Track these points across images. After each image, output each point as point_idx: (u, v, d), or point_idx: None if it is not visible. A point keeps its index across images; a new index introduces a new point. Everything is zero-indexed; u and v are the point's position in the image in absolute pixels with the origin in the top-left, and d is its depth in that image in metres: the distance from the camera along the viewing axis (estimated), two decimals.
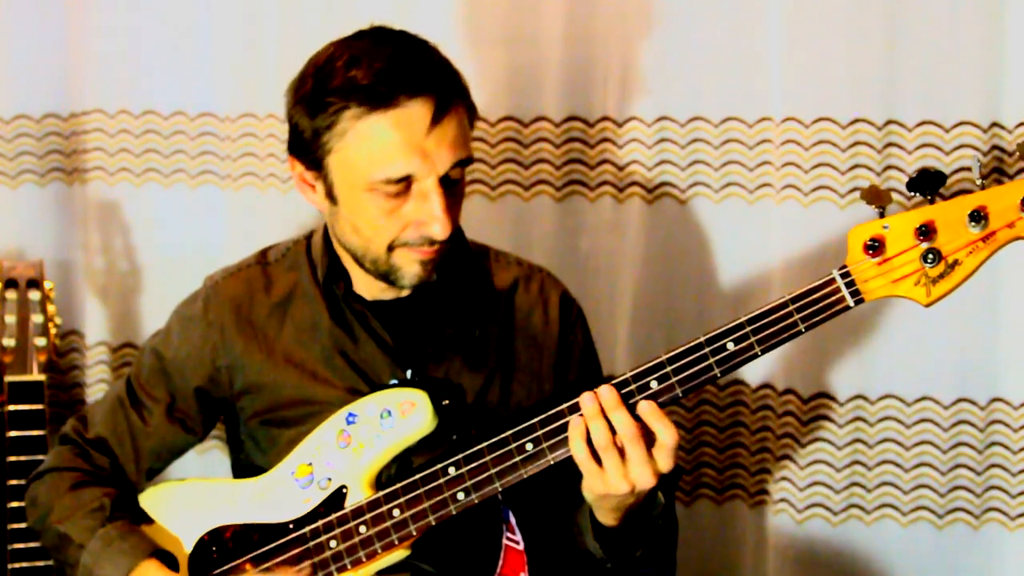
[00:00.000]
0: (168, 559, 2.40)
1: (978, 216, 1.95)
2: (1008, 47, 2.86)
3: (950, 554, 3.04)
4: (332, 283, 2.45)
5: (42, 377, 3.00)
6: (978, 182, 1.98)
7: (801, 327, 2.07)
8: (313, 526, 2.34)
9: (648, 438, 2.13)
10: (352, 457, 2.33)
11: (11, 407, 2.96)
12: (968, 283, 2.01)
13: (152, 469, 2.58)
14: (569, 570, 2.46)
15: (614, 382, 2.16)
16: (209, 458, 3.35)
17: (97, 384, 3.40)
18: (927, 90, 2.92)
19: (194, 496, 2.48)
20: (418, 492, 2.27)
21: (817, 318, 2.06)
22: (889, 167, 2.95)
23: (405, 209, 2.25)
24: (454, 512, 2.26)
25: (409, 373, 2.42)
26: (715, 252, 3.11)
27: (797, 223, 3.00)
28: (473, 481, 2.24)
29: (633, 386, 2.15)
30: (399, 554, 2.31)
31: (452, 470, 2.25)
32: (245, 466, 2.56)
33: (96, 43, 3.28)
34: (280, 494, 2.38)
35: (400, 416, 2.31)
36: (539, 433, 2.20)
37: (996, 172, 2.87)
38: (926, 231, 1.98)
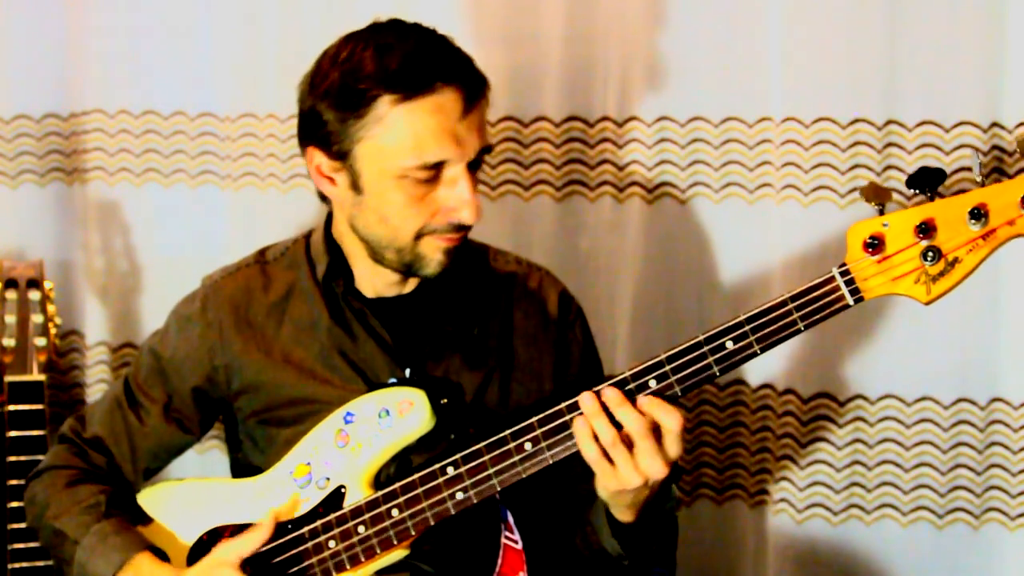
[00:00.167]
0: (161, 557, 2.40)
1: (978, 213, 1.95)
2: (1008, 47, 2.86)
3: (950, 554, 3.03)
4: (332, 280, 2.45)
5: (42, 377, 3.00)
6: (978, 180, 1.98)
7: (800, 325, 2.07)
8: (312, 526, 2.33)
9: (655, 431, 2.12)
10: (350, 457, 2.33)
11: (11, 407, 2.96)
12: (968, 282, 2.01)
13: (149, 469, 2.58)
14: (571, 570, 2.46)
15: (613, 381, 2.15)
16: (209, 458, 3.35)
17: (97, 384, 3.40)
18: (927, 90, 2.92)
19: (192, 496, 2.47)
20: (417, 492, 2.27)
21: (816, 316, 2.06)
22: (889, 167, 2.95)
23: (434, 196, 2.27)
24: (453, 511, 2.26)
25: (408, 372, 2.42)
26: (715, 252, 3.11)
27: (797, 223, 3.00)
28: (472, 480, 2.24)
29: (632, 385, 2.14)
30: (398, 554, 2.31)
31: (451, 469, 2.25)
32: (243, 466, 2.56)
33: (96, 43, 3.28)
34: (278, 494, 2.38)
35: (398, 415, 2.31)
36: (538, 432, 2.20)
37: (996, 172, 2.87)
38: (926, 229, 1.98)
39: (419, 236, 2.30)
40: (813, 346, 3.00)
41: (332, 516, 2.32)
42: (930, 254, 1.98)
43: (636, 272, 3.14)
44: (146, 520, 2.46)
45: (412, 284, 2.44)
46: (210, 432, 2.68)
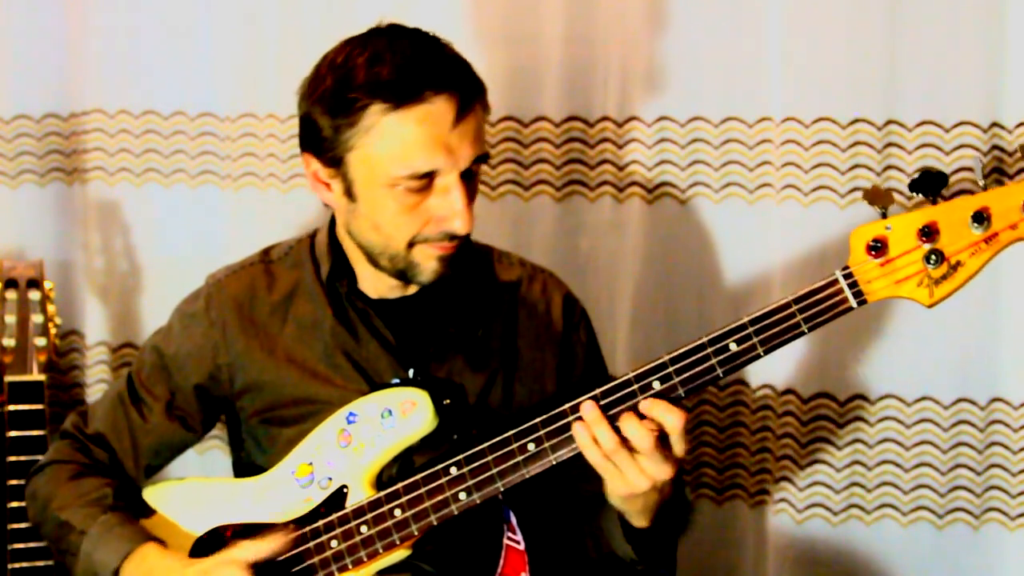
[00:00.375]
0: None
1: (981, 217, 1.96)
2: (1008, 47, 2.86)
3: (950, 554, 3.03)
4: (336, 281, 2.45)
5: (42, 377, 3.00)
6: (980, 183, 1.98)
7: (804, 328, 2.07)
8: (314, 526, 2.34)
9: (659, 434, 2.12)
10: (353, 457, 2.33)
11: (11, 407, 2.96)
12: (968, 283, 2.02)
13: (150, 466, 2.58)
14: (577, 571, 2.47)
15: (616, 383, 2.16)
16: (209, 458, 3.34)
17: (97, 384, 3.40)
18: (927, 90, 2.92)
19: (195, 494, 2.48)
20: (420, 492, 2.27)
21: (820, 319, 2.07)
22: (889, 167, 2.95)
23: (426, 205, 2.27)
24: (456, 512, 2.26)
25: (411, 372, 2.42)
26: (715, 252, 3.11)
27: (797, 223, 3.00)
28: (475, 481, 2.24)
29: (636, 386, 2.14)
30: (400, 554, 2.31)
31: (454, 470, 2.25)
32: (246, 465, 2.57)
33: (96, 43, 3.28)
34: (281, 494, 2.38)
35: (401, 416, 2.31)
36: (541, 433, 2.20)
37: (996, 172, 2.87)
38: (929, 232, 1.99)
39: (412, 244, 2.30)
40: (813, 346, 3.00)
41: (334, 516, 2.33)
42: (933, 257, 1.99)
43: (636, 272, 3.14)
44: (149, 516, 2.47)
45: (415, 286, 2.44)
46: (211, 432, 2.68)
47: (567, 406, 2.19)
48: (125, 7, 3.27)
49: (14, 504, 2.89)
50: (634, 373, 2.15)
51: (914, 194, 2.01)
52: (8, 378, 2.98)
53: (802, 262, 2.98)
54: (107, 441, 2.56)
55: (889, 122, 2.94)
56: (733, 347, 2.11)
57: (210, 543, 2.41)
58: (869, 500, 3.07)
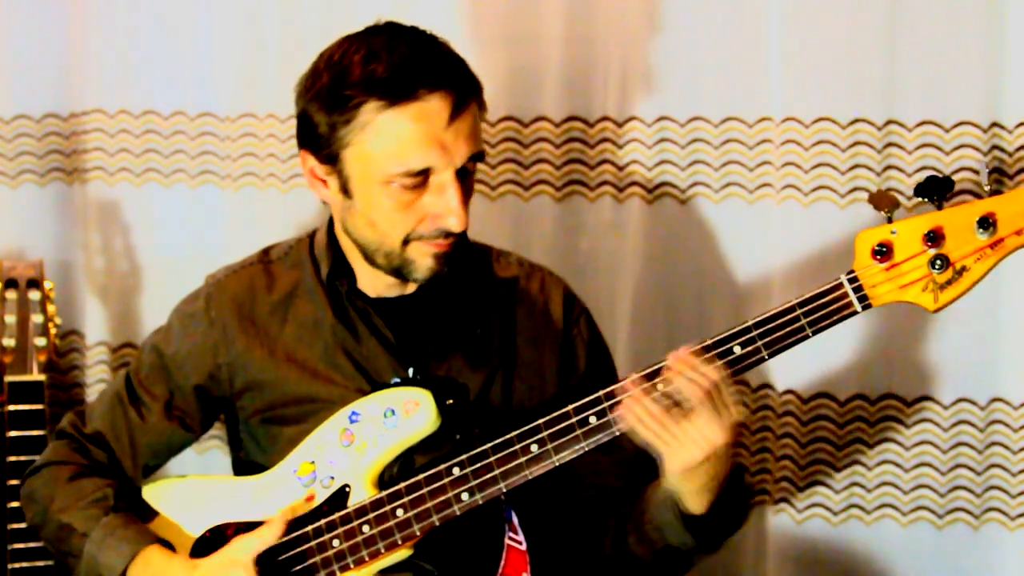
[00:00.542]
0: (169, 550, 2.41)
1: (986, 223, 1.96)
2: (1008, 47, 2.86)
3: (950, 554, 3.03)
4: (335, 280, 2.45)
5: (42, 377, 3.00)
6: (986, 188, 1.99)
7: (808, 331, 2.08)
8: (316, 525, 2.35)
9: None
10: (355, 456, 2.34)
11: (11, 407, 2.96)
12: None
13: (148, 466, 2.58)
14: (577, 571, 2.47)
15: (618, 385, 2.17)
16: (209, 457, 3.34)
17: (97, 384, 3.39)
18: (927, 90, 2.92)
19: (196, 492, 2.49)
20: (422, 492, 2.28)
21: (824, 323, 2.08)
22: (889, 167, 2.95)
23: (421, 202, 2.27)
24: (458, 512, 2.27)
25: (411, 372, 2.42)
26: (715, 252, 3.11)
27: (797, 223, 3.00)
28: (477, 481, 2.25)
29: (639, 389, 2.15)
30: (402, 553, 2.32)
31: (456, 470, 2.26)
32: (245, 464, 2.57)
33: (96, 43, 3.27)
34: (282, 492, 2.38)
35: (404, 415, 2.32)
36: (544, 434, 2.21)
37: (996, 172, 2.87)
38: (934, 237, 1.99)
39: (407, 242, 2.31)
40: (813, 346, 2.98)
41: (336, 515, 2.34)
42: (938, 262, 1.99)
43: (636, 272, 3.13)
44: (150, 515, 2.47)
45: (413, 285, 2.45)
46: (210, 432, 2.69)
47: (571, 407, 2.21)
48: (125, 7, 3.27)
49: (14, 504, 2.89)
50: (638, 375, 2.16)
51: (918, 197, 2.02)
52: (8, 378, 2.99)
53: (802, 262, 2.98)
54: (105, 441, 2.56)
55: (889, 122, 2.94)
56: (738, 350, 2.12)
57: (212, 542, 2.41)
58: (869, 500, 3.07)
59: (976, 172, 2.85)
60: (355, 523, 2.32)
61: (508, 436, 2.23)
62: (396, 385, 2.41)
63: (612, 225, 3.14)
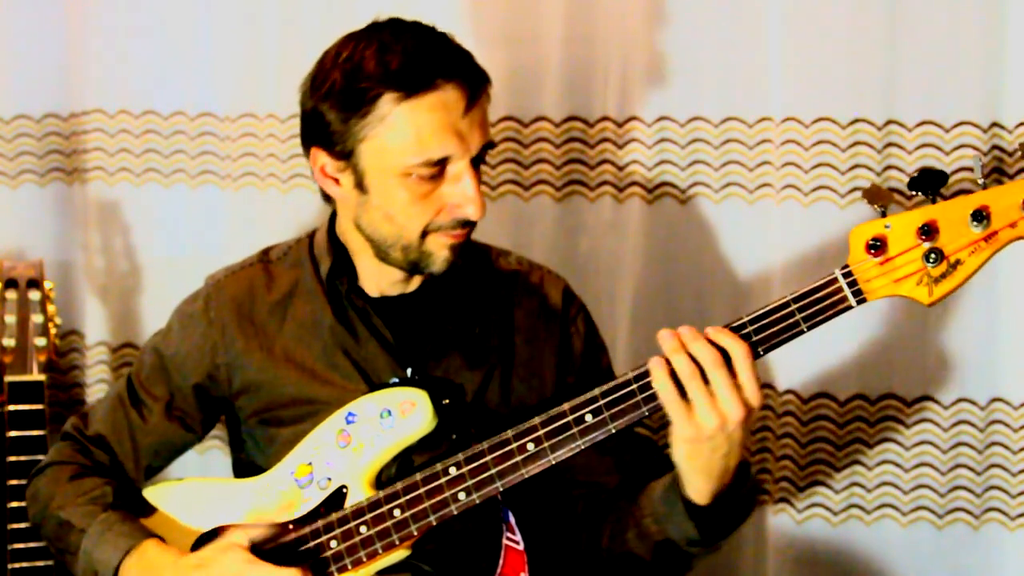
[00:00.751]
0: None
1: (980, 216, 1.96)
2: (1008, 47, 2.86)
3: (950, 554, 3.03)
4: (336, 279, 2.45)
5: (42, 377, 3.00)
6: (980, 182, 1.99)
7: (803, 327, 2.07)
8: (313, 526, 2.34)
9: (727, 364, 2.10)
10: (352, 457, 2.33)
11: (11, 407, 2.96)
12: (968, 282, 2.02)
13: (151, 467, 2.59)
14: (575, 571, 2.47)
15: (616, 382, 2.16)
16: (209, 458, 3.34)
17: (97, 384, 3.40)
18: (927, 90, 2.92)
19: (195, 494, 2.49)
20: (419, 492, 2.28)
21: (819, 318, 2.07)
22: (889, 167, 2.95)
23: (439, 192, 2.28)
24: (455, 512, 2.26)
25: (409, 372, 2.42)
26: (715, 252, 3.11)
27: (797, 223, 3.00)
28: (474, 481, 2.24)
29: (635, 386, 2.15)
30: (400, 554, 2.31)
31: (453, 470, 2.26)
32: (246, 465, 2.57)
33: (96, 43, 3.28)
34: (279, 494, 2.38)
35: (400, 416, 2.32)
36: (540, 433, 2.21)
37: (996, 172, 2.87)
38: (928, 231, 1.99)
39: (425, 234, 2.31)
40: (813, 346, 2.98)
41: (334, 516, 2.33)
42: (932, 256, 1.99)
43: (636, 272, 3.13)
44: (150, 515, 2.47)
45: (415, 283, 2.45)
46: (211, 432, 2.68)
47: (567, 406, 2.20)
48: (125, 7, 3.27)
49: (14, 504, 2.90)
50: (634, 373, 2.15)
51: (914, 193, 2.02)
52: (8, 378, 2.99)
53: (802, 262, 2.98)
54: (107, 442, 2.57)
55: (889, 122, 2.94)
56: None
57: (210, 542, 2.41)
58: (869, 500, 3.06)
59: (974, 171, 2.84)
60: (352, 524, 2.31)
61: (504, 435, 2.23)
62: (393, 385, 2.41)
63: (612, 225, 3.14)
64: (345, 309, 2.46)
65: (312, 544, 2.34)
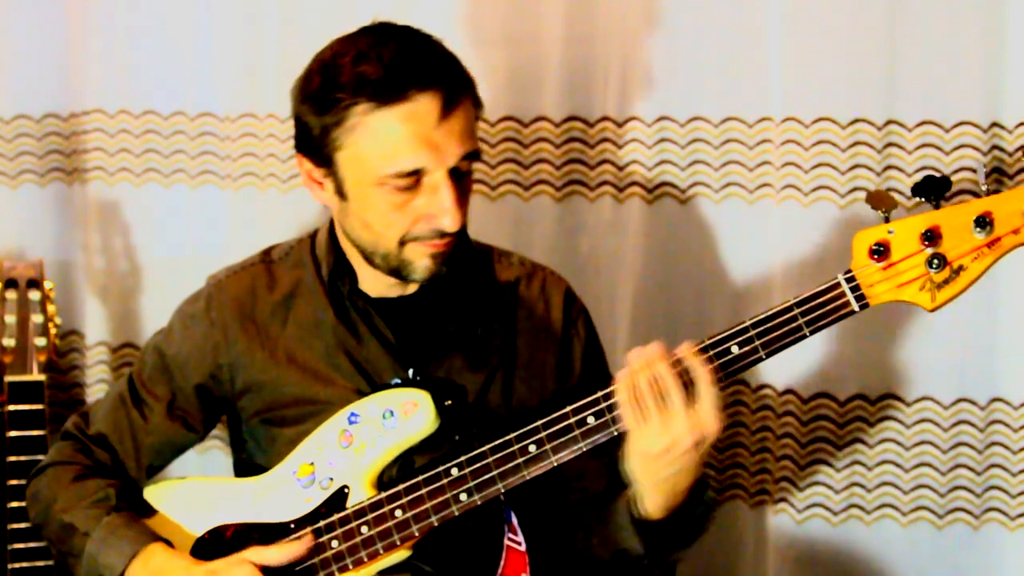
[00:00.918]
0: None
1: (983, 222, 1.96)
2: (1008, 47, 2.86)
3: (950, 554, 3.03)
4: (337, 280, 2.45)
5: (42, 377, 3.00)
6: (983, 188, 1.99)
7: (806, 331, 2.08)
8: (314, 526, 2.34)
9: (688, 387, 2.12)
10: (354, 457, 2.34)
11: (11, 407, 2.96)
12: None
13: (152, 467, 2.58)
14: (576, 572, 2.47)
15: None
16: (209, 458, 3.34)
17: (97, 384, 3.40)
18: (927, 90, 2.92)
19: (196, 493, 2.49)
20: (420, 492, 2.28)
21: (822, 322, 2.07)
22: (889, 167, 2.94)
23: (415, 203, 2.26)
24: (457, 513, 2.27)
25: (411, 372, 2.42)
26: (715, 252, 3.11)
27: (797, 223, 2.99)
28: (476, 482, 2.25)
29: None
30: (401, 554, 2.32)
31: (455, 471, 2.26)
32: (247, 465, 2.57)
33: (96, 43, 3.28)
34: (281, 493, 2.38)
35: (402, 416, 2.32)
36: (542, 435, 2.21)
37: (996, 172, 2.87)
38: (931, 236, 1.99)
39: (403, 243, 2.30)
40: (813, 346, 2.99)
41: (335, 516, 2.34)
42: (935, 261, 1.99)
43: (636, 272, 3.13)
44: (151, 515, 2.48)
45: (414, 285, 2.44)
46: (211, 432, 2.69)
47: (568, 408, 2.20)
48: (125, 7, 3.27)
49: (14, 504, 2.90)
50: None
51: (916, 197, 2.02)
52: (8, 378, 2.99)
53: (802, 262, 2.98)
54: (109, 442, 2.56)
55: (889, 122, 2.94)
56: (735, 350, 2.12)
57: (210, 543, 2.42)
58: (869, 500, 3.06)
59: (976, 172, 2.85)
60: (354, 524, 2.32)
61: (507, 437, 2.23)
62: (395, 386, 2.41)
63: (612, 225, 3.14)
64: (347, 310, 2.46)
65: (313, 544, 2.34)
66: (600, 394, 2.18)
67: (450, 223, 2.26)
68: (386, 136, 2.21)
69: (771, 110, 3.01)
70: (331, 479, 2.35)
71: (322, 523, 2.34)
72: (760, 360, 2.10)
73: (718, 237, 3.11)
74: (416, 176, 2.24)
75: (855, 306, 2.06)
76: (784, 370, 3.05)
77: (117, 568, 2.36)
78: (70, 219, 3.38)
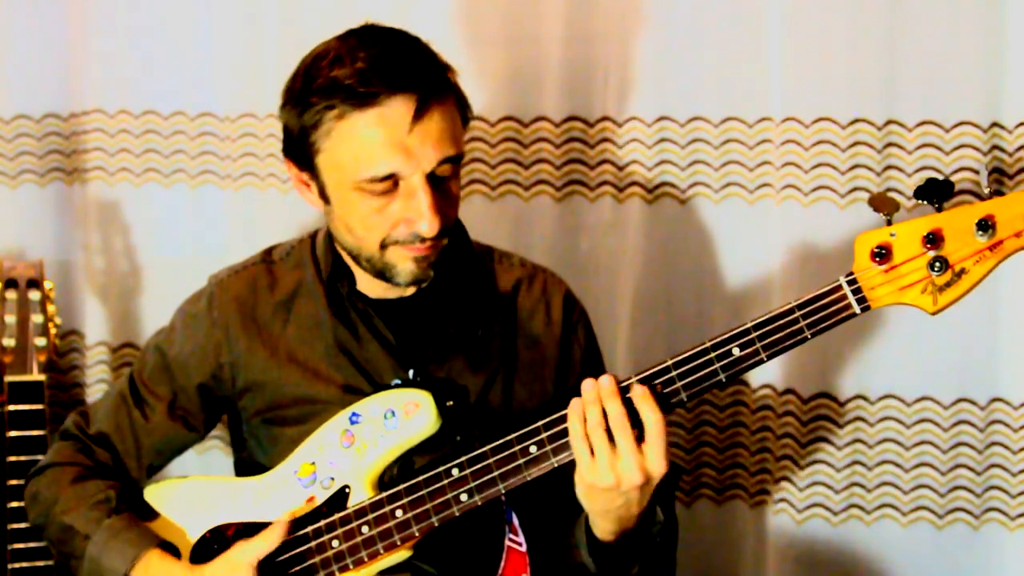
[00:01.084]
0: (173, 552, 2.41)
1: (986, 225, 1.96)
2: (1008, 47, 2.86)
3: (950, 554, 3.04)
4: (336, 281, 2.45)
5: (42, 377, 3.00)
6: (986, 190, 1.99)
7: (807, 334, 2.08)
8: (315, 525, 2.34)
9: (638, 431, 2.13)
10: (355, 457, 2.33)
11: (11, 407, 2.96)
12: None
13: (153, 466, 2.58)
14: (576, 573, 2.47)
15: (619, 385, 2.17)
16: (209, 458, 3.35)
17: (97, 384, 3.40)
18: (927, 90, 2.92)
19: (197, 493, 2.48)
20: (421, 493, 2.28)
21: (823, 325, 2.07)
22: (889, 167, 2.95)
23: (393, 207, 2.26)
24: (457, 513, 2.27)
25: (412, 373, 2.42)
26: (715, 252, 3.11)
27: (797, 223, 3.00)
28: (477, 483, 2.25)
29: None
30: (401, 554, 2.32)
31: (456, 471, 2.26)
32: (248, 464, 2.57)
33: (96, 43, 3.28)
34: (283, 493, 2.38)
35: (404, 417, 2.32)
36: (543, 436, 2.21)
37: (996, 172, 2.88)
38: (933, 239, 1.99)
39: (384, 246, 2.30)
40: (813, 346, 2.97)
41: (336, 516, 2.33)
42: (937, 264, 1.99)
43: (636, 272, 3.14)
44: (151, 516, 2.47)
45: (413, 287, 2.44)
46: (211, 432, 2.69)
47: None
48: (125, 7, 3.27)
49: (14, 504, 2.90)
50: (637, 376, 2.16)
51: (918, 200, 2.02)
52: (8, 378, 2.99)
53: (802, 262, 2.98)
54: (110, 441, 2.56)
55: (889, 122, 2.94)
56: (736, 352, 2.11)
57: (212, 543, 2.41)
58: (869, 500, 3.07)
59: (976, 172, 2.85)
60: (354, 524, 2.32)
61: (507, 438, 2.23)
62: (397, 387, 2.41)
63: (612, 225, 3.15)
64: (347, 311, 2.46)
65: (314, 543, 2.34)
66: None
67: (427, 228, 2.24)
68: (359, 140, 2.21)
69: (771, 110, 3.01)
70: (332, 479, 2.34)
71: (323, 522, 2.33)
72: (761, 362, 2.10)
73: (718, 237, 3.11)
74: (392, 180, 2.23)
75: (856, 309, 2.06)
76: (784, 370, 3.06)
77: (119, 571, 2.36)
78: (70, 219, 3.38)
